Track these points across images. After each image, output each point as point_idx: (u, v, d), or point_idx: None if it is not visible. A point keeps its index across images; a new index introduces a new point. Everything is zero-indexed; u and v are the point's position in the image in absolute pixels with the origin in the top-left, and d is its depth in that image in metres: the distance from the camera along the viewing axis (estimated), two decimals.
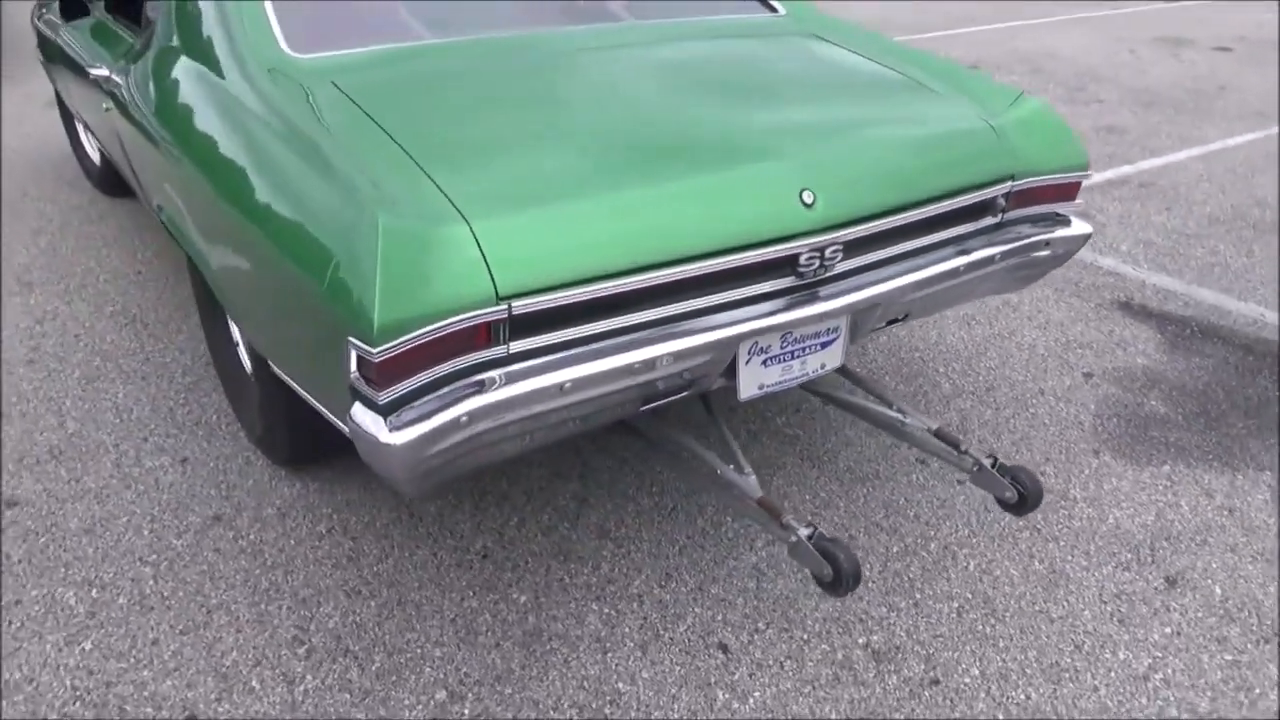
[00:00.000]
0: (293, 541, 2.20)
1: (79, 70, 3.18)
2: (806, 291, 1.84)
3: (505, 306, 1.49)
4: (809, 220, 1.76)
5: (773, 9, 2.67)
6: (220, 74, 2.00)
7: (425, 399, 1.47)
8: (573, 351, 1.60)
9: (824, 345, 1.95)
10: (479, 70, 2.03)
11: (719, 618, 2.00)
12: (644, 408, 1.84)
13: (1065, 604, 2.05)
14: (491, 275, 1.48)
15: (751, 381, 1.87)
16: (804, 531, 1.75)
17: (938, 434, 2.07)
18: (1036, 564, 2.17)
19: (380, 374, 1.41)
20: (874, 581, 2.09)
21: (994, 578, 2.12)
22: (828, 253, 1.80)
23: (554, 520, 2.27)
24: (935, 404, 2.78)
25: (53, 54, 3.78)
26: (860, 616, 2.01)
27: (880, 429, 2.24)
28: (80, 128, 4.49)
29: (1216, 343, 3.16)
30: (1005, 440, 2.62)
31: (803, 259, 1.77)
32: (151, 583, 2.07)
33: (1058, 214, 2.26)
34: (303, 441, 2.24)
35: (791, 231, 1.74)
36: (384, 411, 1.44)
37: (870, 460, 2.52)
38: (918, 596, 2.06)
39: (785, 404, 2.75)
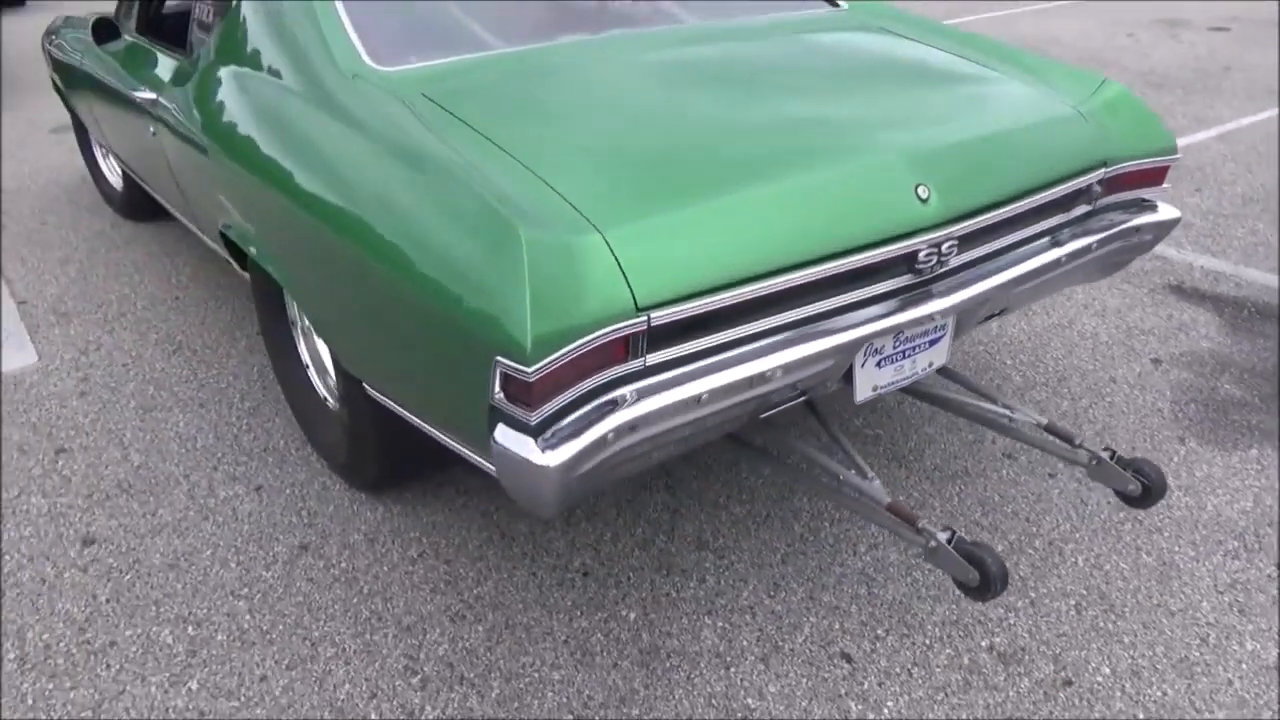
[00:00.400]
0: (386, 568, 2.14)
1: (113, 94, 3.11)
2: (921, 290, 1.80)
3: (645, 318, 1.44)
4: (926, 216, 1.72)
5: (834, 4, 2.63)
6: (303, 90, 1.94)
7: (570, 418, 1.42)
8: (707, 361, 1.55)
9: (932, 343, 1.92)
10: (564, 76, 1.98)
11: (836, 626, 1.96)
12: (762, 415, 1.79)
13: (1182, 596, 2.02)
14: (630, 286, 1.43)
15: (867, 383, 1.84)
16: (943, 535, 1.71)
17: (1049, 428, 2.04)
18: (1145, 556, 2.14)
19: (533, 394, 1.36)
20: None
21: (1105, 572, 2.09)
22: (944, 248, 1.76)
23: (649, 533, 2.23)
24: (1009, 398, 2.75)
25: (75, 79, 3.71)
26: (978, 619, 1.97)
27: (985, 426, 2.20)
28: (99, 152, 4.42)
29: (1274, 322, 3.14)
30: (1088, 431, 2.59)
31: (921, 255, 1.74)
32: (248, 617, 2.01)
33: (1143, 199, 2.23)
34: (393, 466, 2.19)
35: (910, 228, 1.71)
36: (535, 432, 1.39)
37: (957, 457, 2.48)
38: (1032, 595, 2.03)
39: (858, 405, 2.71)
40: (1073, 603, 2.01)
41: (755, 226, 1.58)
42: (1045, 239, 2.03)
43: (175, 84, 2.53)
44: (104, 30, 3.15)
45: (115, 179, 4.34)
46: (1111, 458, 1.95)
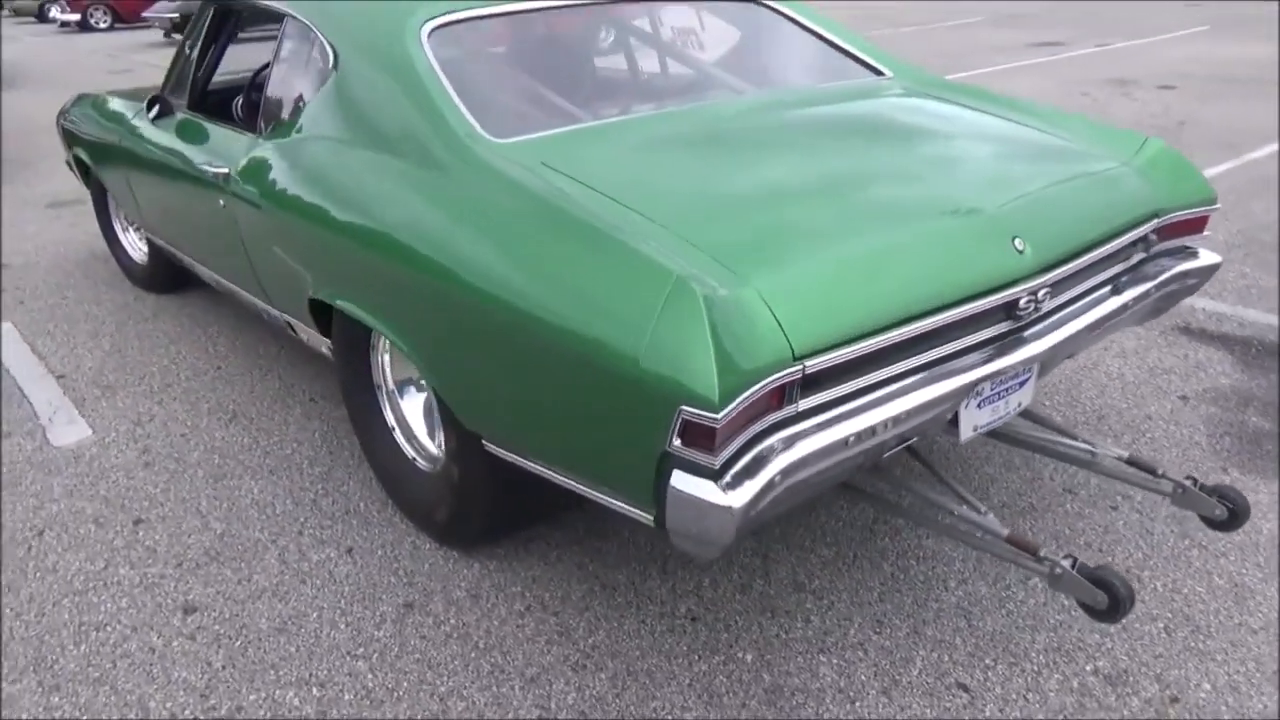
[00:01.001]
0: (495, 621, 2.18)
1: (167, 169, 3.17)
2: (1017, 335, 1.94)
3: (800, 366, 1.54)
4: (1024, 266, 1.86)
5: (879, 72, 2.81)
6: (427, 162, 2.03)
7: (740, 462, 1.51)
8: (850, 405, 1.66)
9: (1021, 385, 2.04)
10: (670, 142, 2.11)
11: (945, 658, 2.04)
12: (885, 455, 1.90)
13: (1260, 614, 2.15)
14: (786, 336, 1.54)
15: (969, 424, 1.95)
16: (1066, 562, 1.81)
17: (1131, 461, 2.17)
18: (1217, 579, 2.26)
19: (716, 439, 1.44)
20: (1078, 609, 2.16)
21: (1184, 596, 2.21)
22: (1039, 295, 1.90)
23: (745, 578, 2.30)
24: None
25: (111, 154, 3.76)
26: (1078, 644, 2.07)
27: (1067, 462, 2.32)
28: (119, 227, 4.44)
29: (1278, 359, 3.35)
30: None
31: (1021, 303, 1.87)
32: (371, 676, 2.04)
33: (1187, 246, 2.40)
34: (502, 521, 2.24)
35: (1012, 278, 1.84)
36: (716, 475, 1.48)
37: (1021, 494, 2.60)
38: (1123, 620, 2.13)
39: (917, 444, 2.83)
40: (1161, 625, 2.12)
41: (884, 277, 1.71)
42: (1109, 286, 2.18)
43: (256, 158, 2.60)
44: (157, 107, 3.22)
45: (137, 253, 4.36)
46: (1195, 485, 2.09)
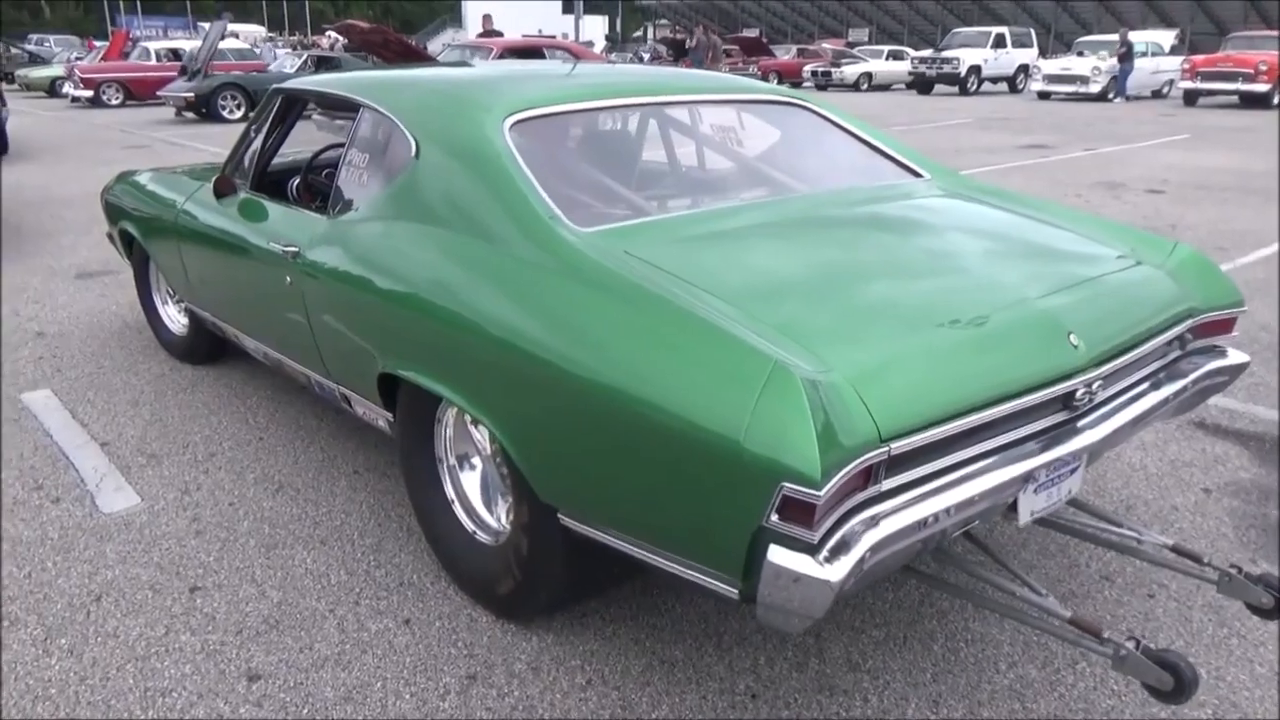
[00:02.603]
0: (558, 695, 2.22)
1: (228, 246, 3.29)
2: (1070, 425, 2.05)
3: (887, 448, 1.64)
4: (1080, 360, 1.98)
5: (917, 174, 2.99)
6: (516, 248, 2.15)
7: (833, 539, 1.60)
8: (927, 488, 1.76)
9: (1071, 472, 2.15)
10: (737, 235, 2.24)
11: None
12: (949, 537, 1.98)
13: None
14: (873, 419, 1.64)
15: (1027, 508, 2.05)
16: (1129, 644, 1.88)
17: (1176, 549, 2.26)
18: (1258, 667, 2.33)
19: (815, 515, 1.53)
20: (1131, 692, 2.22)
21: (1229, 683, 2.28)
22: (1094, 387, 2.02)
23: (799, 656, 2.35)
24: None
25: (161, 230, 3.88)
26: None
27: (1112, 549, 2.41)
28: (158, 300, 4.54)
29: None
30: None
31: (1078, 394, 1.99)
32: None
33: (1216, 345, 2.54)
34: (564, 595, 2.29)
35: (1069, 370, 1.96)
36: (814, 550, 1.56)
37: (1060, 581, 2.68)
38: (1171, 706, 2.19)
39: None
40: (1209, 711, 2.18)
41: (957, 367, 1.83)
42: (1149, 382, 2.31)
43: (330, 237, 2.72)
44: (223, 188, 3.36)
45: (175, 326, 4.45)
46: (1240, 573, 2.18)
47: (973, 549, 2.57)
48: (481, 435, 2.57)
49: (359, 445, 3.53)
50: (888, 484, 1.70)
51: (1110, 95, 22.27)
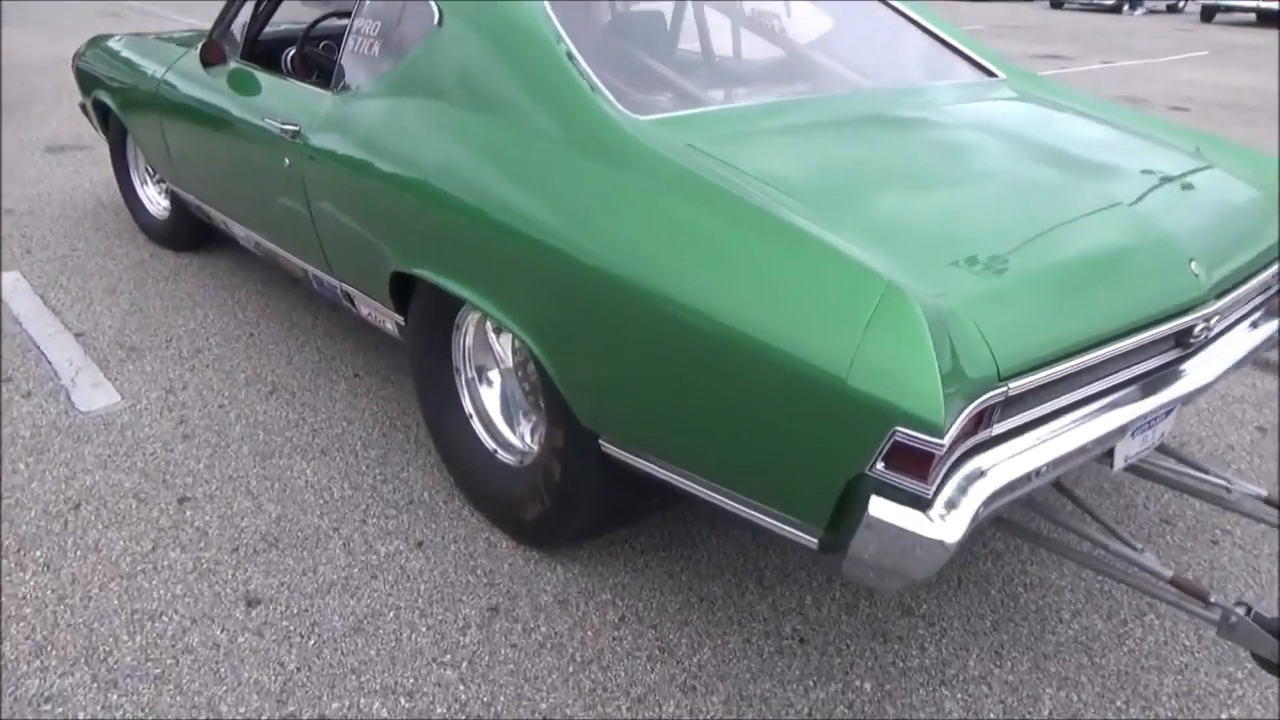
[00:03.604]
0: (589, 632, 2.03)
1: (209, 120, 2.96)
2: (1176, 365, 1.82)
3: (1005, 388, 1.41)
4: (1201, 291, 1.75)
5: (992, 73, 2.68)
6: (564, 136, 1.86)
7: (945, 491, 1.38)
8: (1037, 433, 1.53)
9: (1166, 414, 1.93)
10: (809, 131, 1.96)
11: (1075, 698, 1.93)
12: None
13: None
14: (993, 354, 1.40)
15: (1122, 452, 1.84)
16: (1240, 609, 1.70)
17: (1269, 501, 2.07)
18: None
19: (932, 465, 1.31)
20: (1205, 648, 2.06)
21: None
22: (1212, 322, 1.79)
23: (848, 597, 2.17)
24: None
25: (142, 102, 3.52)
26: (1207, 689, 1.97)
27: (1198, 498, 2.21)
28: (137, 179, 4.19)
29: None
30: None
31: (1196, 330, 1.76)
32: (462, 687, 1.88)
33: None
34: (596, 524, 2.08)
35: (1191, 302, 1.73)
36: (926, 505, 1.34)
37: (1117, 523, 2.50)
38: (1248, 666, 2.04)
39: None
40: None
41: (1076, 296, 1.58)
42: (1248, 321, 2.08)
43: (339, 116, 2.41)
44: (210, 56, 3.00)
45: (155, 208, 4.12)
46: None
47: (1058, 496, 2.35)
48: (503, 347, 2.32)
49: (358, 346, 3.26)
50: (999, 428, 1.48)
51: (1126, 7, 21.58)
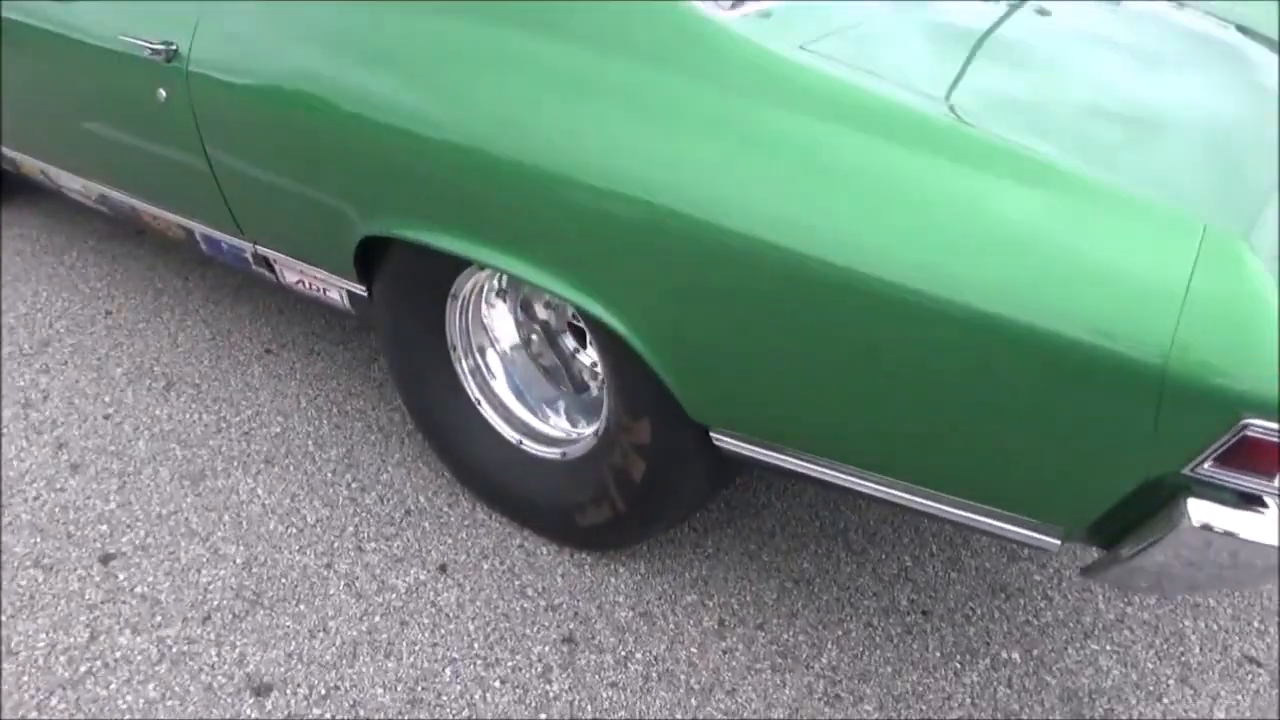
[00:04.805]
0: (693, 649, 1.71)
1: (31, 39, 2.20)
2: None
3: None
4: None
5: None
6: (623, 40, 1.39)
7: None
8: None
9: None
10: (964, 34, 1.57)
11: (1214, 626, 1.81)
12: None
13: None
14: None
15: None
16: None
17: None
18: None
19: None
20: None
21: None
22: None
23: (949, 550, 1.95)
24: None
25: None
26: None
27: None
28: None
29: None
30: None
31: None
32: None
33: None
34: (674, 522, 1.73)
35: None
36: (1258, 504, 1.08)
37: None
38: None
39: None
40: None
41: None
42: None
43: (244, 24, 1.78)
44: None
45: None
46: None
47: None
48: (502, 319, 1.87)
49: (256, 311, 2.65)
50: None
51: None
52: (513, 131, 1.42)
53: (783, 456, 1.44)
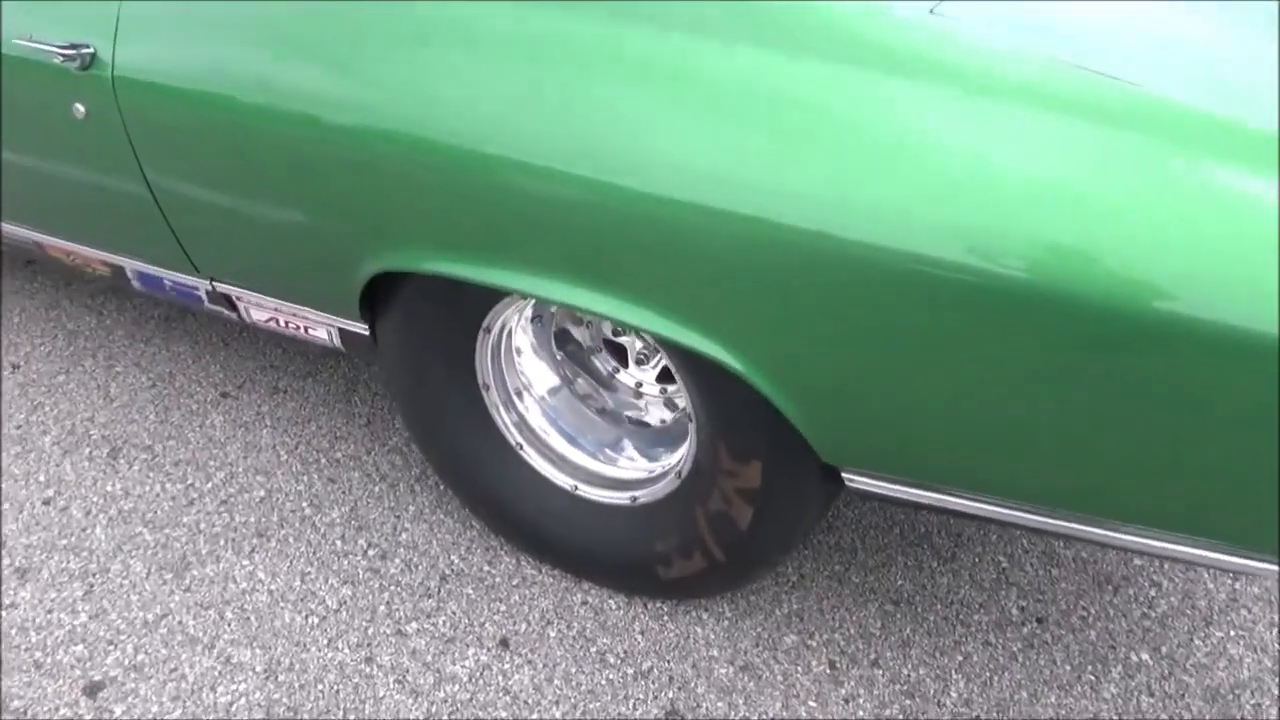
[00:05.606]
0: (812, 702, 1.52)
1: None
2: None
3: None
4: None
5: None
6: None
7: None
8: None
9: None
10: None
11: None
12: None
13: None
14: None
15: None
16: None
17: None
18: None
19: None
20: None
21: None
22: None
23: (1042, 546, 1.81)
24: None
25: None
26: None
27: None
28: None
29: None
30: None
31: None
32: None
33: None
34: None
35: None
36: None
37: None
38: None
39: None
40: None
41: None
42: None
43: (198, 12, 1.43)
44: None
45: None
46: None
47: None
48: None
49: (196, 347, 2.28)
50: None
51: None
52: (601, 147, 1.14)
53: (939, 496, 1.24)
